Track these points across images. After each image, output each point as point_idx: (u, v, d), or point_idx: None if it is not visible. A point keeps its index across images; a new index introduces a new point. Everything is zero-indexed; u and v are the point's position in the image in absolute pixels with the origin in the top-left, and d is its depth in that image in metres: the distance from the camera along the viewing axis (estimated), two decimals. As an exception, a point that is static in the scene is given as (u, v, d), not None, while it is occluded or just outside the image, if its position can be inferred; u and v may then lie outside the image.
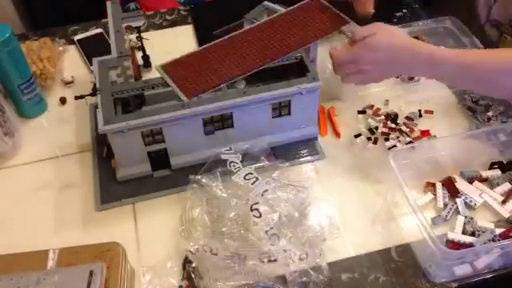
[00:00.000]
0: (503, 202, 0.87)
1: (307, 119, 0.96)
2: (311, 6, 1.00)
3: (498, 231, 0.81)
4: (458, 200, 0.87)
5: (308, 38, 0.92)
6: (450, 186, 0.89)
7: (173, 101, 0.86)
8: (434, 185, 0.89)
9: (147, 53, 1.12)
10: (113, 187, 0.91)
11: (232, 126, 0.91)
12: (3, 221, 0.89)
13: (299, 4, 1.00)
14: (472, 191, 0.88)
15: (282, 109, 0.92)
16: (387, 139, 0.97)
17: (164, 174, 0.93)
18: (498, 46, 1.16)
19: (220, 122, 0.90)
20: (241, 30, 0.96)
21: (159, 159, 0.91)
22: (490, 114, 1.01)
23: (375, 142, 0.97)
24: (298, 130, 0.97)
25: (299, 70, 0.92)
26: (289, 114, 0.93)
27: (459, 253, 0.76)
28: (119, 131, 0.83)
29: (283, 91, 0.88)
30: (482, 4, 1.22)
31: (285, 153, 0.96)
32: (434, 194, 0.88)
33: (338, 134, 1.00)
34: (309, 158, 0.96)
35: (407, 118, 1.01)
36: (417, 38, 1.15)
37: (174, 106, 0.85)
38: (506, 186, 0.89)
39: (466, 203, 0.87)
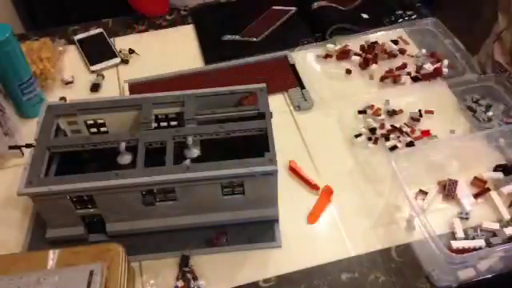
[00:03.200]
0: (510, 205, 0.87)
1: (265, 200, 0.82)
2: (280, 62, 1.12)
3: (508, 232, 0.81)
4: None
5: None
6: (447, 189, 0.88)
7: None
8: (425, 193, 0.88)
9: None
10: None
11: (175, 199, 0.80)
12: (3, 221, 0.89)
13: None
14: (469, 197, 0.87)
15: (234, 188, 0.79)
16: (387, 139, 0.97)
17: (101, 238, 0.83)
18: None
19: (162, 194, 0.79)
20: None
21: (94, 223, 0.82)
22: (490, 113, 1.01)
23: (376, 142, 0.97)
24: (254, 210, 0.83)
25: (261, 145, 0.79)
26: (243, 193, 0.80)
27: (463, 257, 0.74)
28: (42, 195, 0.75)
29: (233, 171, 0.75)
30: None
31: (237, 233, 0.84)
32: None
33: (314, 187, 0.90)
34: (262, 244, 0.84)
35: (408, 117, 1.01)
36: (396, 41, 1.16)
37: (107, 175, 0.75)
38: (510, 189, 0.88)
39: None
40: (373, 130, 0.98)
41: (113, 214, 0.81)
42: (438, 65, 1.10)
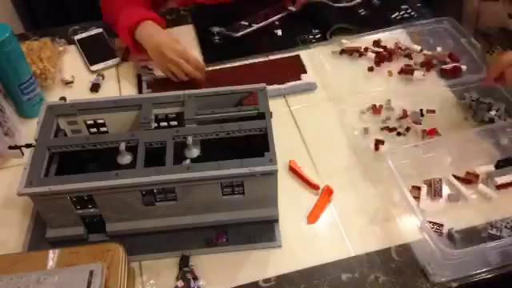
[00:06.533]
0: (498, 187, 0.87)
1: (265, 200, 0.82)
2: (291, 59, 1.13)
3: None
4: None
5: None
6: (433, 188, 0.88)
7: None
8: (419, 188, 0.89)
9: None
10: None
11: (175, 199, 0.79)
12: (3, 221, 0.89)
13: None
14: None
15: (234, 187, 0.79)
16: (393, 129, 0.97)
17: (101, 238, 0.83)
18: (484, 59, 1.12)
19: (162, 194, 0.79)
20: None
21: (94, 223, 0.82)
22: (491, 112, 1.01)
23: (377, 147, 0.97)
24: (254, 210, 0.83)
25: (261, 145, 0.79)
26: (243, 193, 0.80)
27: (460, 252, 0.75)
28: (42, 195, 0.75)
29: (233, 171, 0.75)
30: (467, 14, 1.21)
31: (237, 233, 0.84)
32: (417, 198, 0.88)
33: (314, 187, 0.91)
34: (262, 244, 0.84)
35: (410, 117, 1.01)
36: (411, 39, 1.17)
37: (107, 175, 0.75)
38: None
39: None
40: (374, 130, 0.98)
41: (113, 214, 0.81)
42: (456, 64, 1.09)
